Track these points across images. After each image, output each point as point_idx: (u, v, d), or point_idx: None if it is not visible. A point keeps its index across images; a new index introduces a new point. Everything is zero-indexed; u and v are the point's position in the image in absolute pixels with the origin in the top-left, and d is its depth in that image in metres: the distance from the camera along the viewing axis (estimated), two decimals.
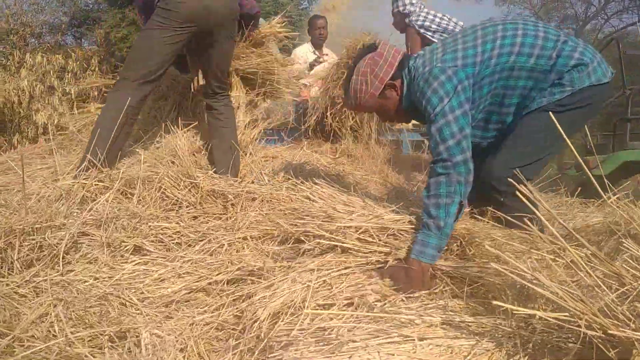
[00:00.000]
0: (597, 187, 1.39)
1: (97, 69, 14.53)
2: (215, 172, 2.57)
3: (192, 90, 3.22)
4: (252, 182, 2.47)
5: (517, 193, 1.29)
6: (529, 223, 1.23)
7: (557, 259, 1.18)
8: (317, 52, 5.33)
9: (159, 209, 2.10)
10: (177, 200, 2.15)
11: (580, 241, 1.09)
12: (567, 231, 1.25)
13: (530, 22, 1.96)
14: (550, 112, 1.55)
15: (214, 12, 2.67)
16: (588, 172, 1.36)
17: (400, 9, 4.24)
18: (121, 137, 2.53)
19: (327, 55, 5.41)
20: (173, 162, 2.43)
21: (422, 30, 4.09)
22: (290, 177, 2.54)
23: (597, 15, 20.22)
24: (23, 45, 14.50)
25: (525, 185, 1.32)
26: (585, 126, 2.24)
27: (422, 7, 4.24)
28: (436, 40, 3.95)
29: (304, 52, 5.31)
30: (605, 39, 18.01)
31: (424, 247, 1.65)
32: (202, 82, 3.07)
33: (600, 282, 1.04)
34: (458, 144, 1.74)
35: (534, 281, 1.09)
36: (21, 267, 1.64)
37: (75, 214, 1.95)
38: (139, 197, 2.15)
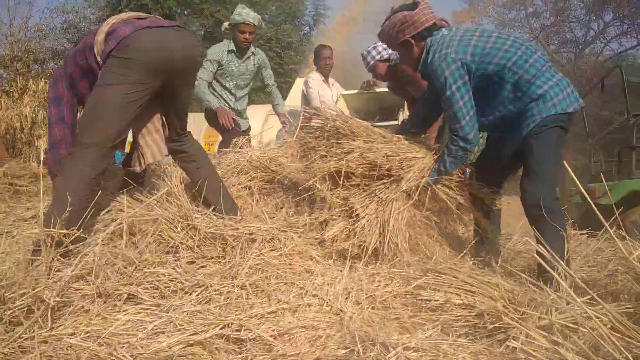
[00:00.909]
0: (603, 220, 1.41)
1: None
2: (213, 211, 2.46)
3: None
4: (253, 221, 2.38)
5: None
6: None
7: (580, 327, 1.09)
8: (325, 82, 5.28)
9: (154, 253, 2.01)
10: (174, 244, 2.06)
11: (605, 308, 1.00)
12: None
13: (531, 48, 2.43)
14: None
15: (178, 53, 2.32)
16: (591, 203, 1.40)
17: (378, 57, 3.92)
18: (84, 208, 2.05)
19: (333, 85, 5.37)
20: (168, 201, 2.34)
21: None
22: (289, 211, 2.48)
23: (596, 39, 20.36)
24: (26, 72, 14.62)
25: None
26: (591, 152, 2.69)
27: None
28: None
29: (317, 80, 5.20)
30: (608, 63, 18.14)
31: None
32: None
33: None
34: (470, 125, 2.41)
35: None
36: (7, 325, 1.55)
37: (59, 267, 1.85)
38: (133, 241, 2.07)
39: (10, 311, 1.57)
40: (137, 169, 2.50)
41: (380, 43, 3.74)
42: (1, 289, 1.60)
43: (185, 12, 16.53)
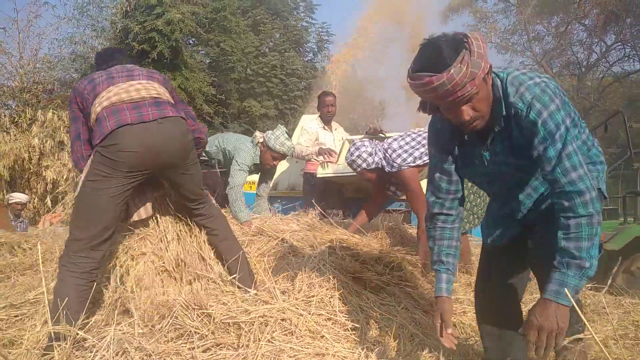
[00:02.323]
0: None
1: None
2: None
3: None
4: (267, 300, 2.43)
5: None
6: None
7: None
8: (326, 128, 5.40)
9: (169, 341, 2.07)
10: (189, 332, 2.11)
11: None
12: None
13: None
14: None
15: (162, 151, 2.38)
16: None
17: (365, 166, 3.62)
18: (83, 300, 2.24)
19: (336, 129, 5.49)
20: (187, 282, 2.40)
21: (419, 162, 3.49)
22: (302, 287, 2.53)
23: (599, 62, 20.51)
24: (35, 103, 14.82)
25: None
26: None
27: (376, 145, 3.67)
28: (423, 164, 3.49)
29: (314, 126, 5.38)
30: (610, 81, 18.25)
31: (561, 286, 1.58)
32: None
33: None
34: (588, 176, 1.63)
35: None
36: None
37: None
38: (149, 326, 2.13)
39: None
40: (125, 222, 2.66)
41: (364, 148, 3.56)
42: None
43: (191, 41, 16.79)
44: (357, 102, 22.13)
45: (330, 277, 2.68)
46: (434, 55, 1.56)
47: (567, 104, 1.71)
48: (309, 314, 2.40)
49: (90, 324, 2.34)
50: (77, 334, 1.94)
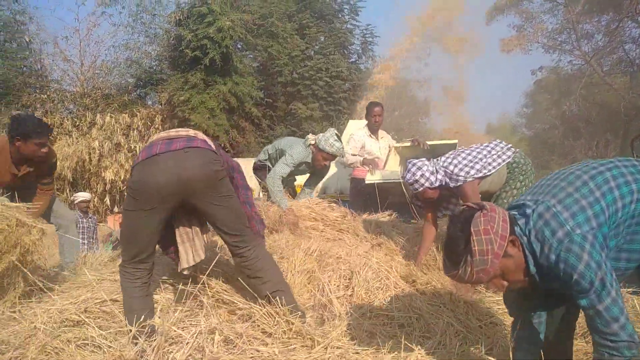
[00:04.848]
0: None
1: (160, 126, 15.59)
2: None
3: None
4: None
5: None
6: None
7: None
8: (372, 136, 5.71)
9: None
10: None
11: None
12: None
13: (627, 164, 1.91)
14: None
15: (188, 179, 2.44)
16: None
17: (428, 185, 3.60)
18: (149, 303, 2.59)
19: (382, 137, 5.79)
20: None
21: (481, 174, 3.58)
22: None
23: None
24: (95, 107, 15.71)
25: None
26: None
27: (435, 163, 3.68)
28: (492, 171, 3.62)
29: (360, 134, 5.70)
30: None
31: None
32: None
33: None
34: (628, 319, 1.69)
35: None
36: None
37: None
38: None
39: None
40: (178, 269, 2.76)
41: (426, 167, 3.61)
42: None
43: (239, 46, 17.35)
44: (402, 102, 22.29)
45: (385, 279, 2.99)
46: (448, 252, 1.82)
47: (597, 245, 1.70)
48: (369, 319, 2.74)
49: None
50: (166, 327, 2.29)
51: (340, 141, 4.53)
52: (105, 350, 2.37)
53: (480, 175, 3.58)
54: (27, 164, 3.64)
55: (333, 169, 6.53)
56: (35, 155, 3.56)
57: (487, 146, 3.76)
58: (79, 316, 2.56)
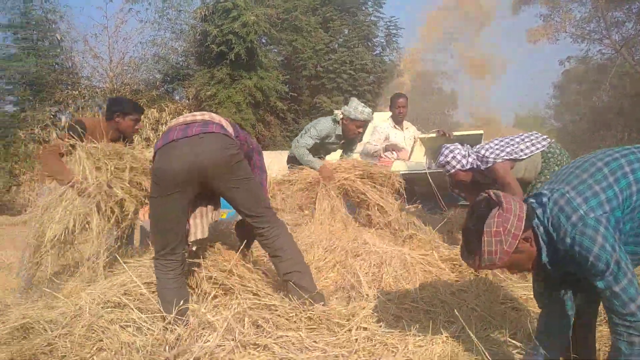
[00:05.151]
0: None
1: None
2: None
3: None
4: None
5: None
6: None
7: None
8: (397, 127, 5.77)
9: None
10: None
11: None
12: None
13: None
14: None
15: (203, 164, 2.54)
16: None
17: (459, 167, 3.77)
18: (183, 293, 2.66)
19: (407, 128, 5.84)
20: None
21: (512, 156, 3.69)
22: None
23: None
24: None
25: None
26: None
27: (468, 148, 3.84)
28: (525, 157, 3.71)
29: (385, 126, 5.76)
30: None
31: None
32: None
33: None
34: None
35: None
36: None
37: None
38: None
39: None
40: (188, 240, 2.84)
41: (458, 150, 3.77)
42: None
43: (263, 40, 17.49)
44: (428, 93, 22.17)
45: (412, 269, 3.09)
46: (465, 241, 1.96)
47: (610, 228, 1.76)
48: (395, 305, 2.85)
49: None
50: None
51: (366, 107, 4.74)
52: (146, 332, 2.53)
53: (510, 158, 3.69)
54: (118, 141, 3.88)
55: None
56: (130, 130, 3.84)
57: (521, 135, 3.87)
58: (120, 298, 2.72)
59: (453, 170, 3.78)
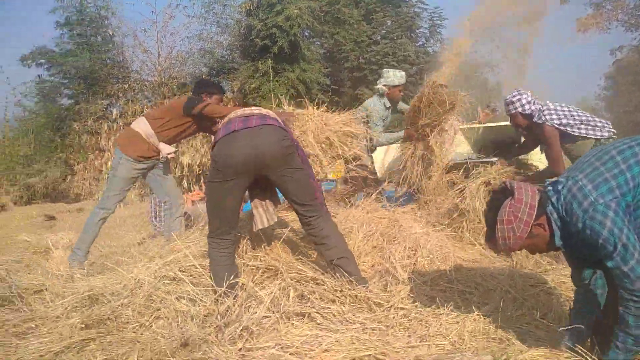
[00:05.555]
0: None
1: None
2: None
3: None
4: None
5: None
6: None
7: None
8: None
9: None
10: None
11: None
12: None
13: None
14: None
15: (262, 154, 2.73)
16: None
17: (520, 110, 3.98)
18: (234, 269, 2.89)
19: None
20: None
21: (562, 128, 3.87)
22: None
23: None
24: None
25: None
26: None
27: (541, 102, 4.02)
28: (577, 134, 3.85)
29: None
30: None
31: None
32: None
33: None
34: None
35: None
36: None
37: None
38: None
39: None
40: (254, 229, 3.16)
41: (526, 95, 3.96)
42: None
43: (306, 33, 17.66)
44: (472, 85, 21.79)
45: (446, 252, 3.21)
46: (486, 226, 2.21)
47: (620, 212, 1.89)
48: (430, 287, 3.01)
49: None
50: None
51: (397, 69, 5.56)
52: (199, 303, 2.77)
53: (561, 127, 3.85)
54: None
55: (391, 154, 6.61)
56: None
57: (589, 116, 3.96)
58: (176, 274, 2.96)
59: (514, 111, 4.03)
